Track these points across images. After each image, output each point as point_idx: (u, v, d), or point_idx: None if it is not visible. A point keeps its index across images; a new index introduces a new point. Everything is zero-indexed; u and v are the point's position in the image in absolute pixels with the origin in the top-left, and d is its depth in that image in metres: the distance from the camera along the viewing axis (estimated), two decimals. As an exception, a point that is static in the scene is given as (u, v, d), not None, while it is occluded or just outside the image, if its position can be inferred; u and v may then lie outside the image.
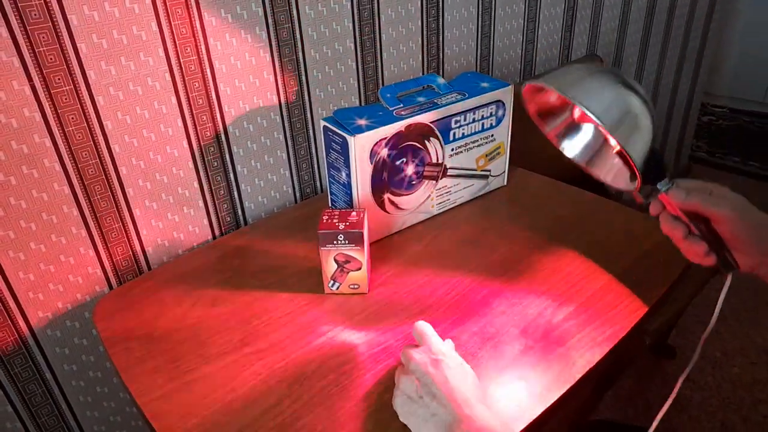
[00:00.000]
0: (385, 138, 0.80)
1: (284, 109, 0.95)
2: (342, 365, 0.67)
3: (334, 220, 0.75)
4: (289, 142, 0.98)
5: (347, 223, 0.74)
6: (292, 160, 1.00)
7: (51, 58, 0.69)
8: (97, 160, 0.78)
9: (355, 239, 0.73)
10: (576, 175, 1.50)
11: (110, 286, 0.85)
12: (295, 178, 1.01)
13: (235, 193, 0.94)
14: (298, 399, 0.62)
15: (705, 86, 2.16)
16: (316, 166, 1.04)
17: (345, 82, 1.01)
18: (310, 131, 1.00)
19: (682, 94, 2.04)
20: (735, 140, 2.37)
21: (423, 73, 1.13)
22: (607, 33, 1.54)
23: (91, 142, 0.76)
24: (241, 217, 0.97)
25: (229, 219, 0.95)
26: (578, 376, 0.63)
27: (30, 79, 0.69)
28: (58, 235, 0.78)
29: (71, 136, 0.74)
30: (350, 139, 0.78)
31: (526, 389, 0.62)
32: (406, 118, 0.82)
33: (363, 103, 1.06)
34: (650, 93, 1.84)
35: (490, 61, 1.26)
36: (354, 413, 0.61)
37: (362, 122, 0.80)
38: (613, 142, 0.63)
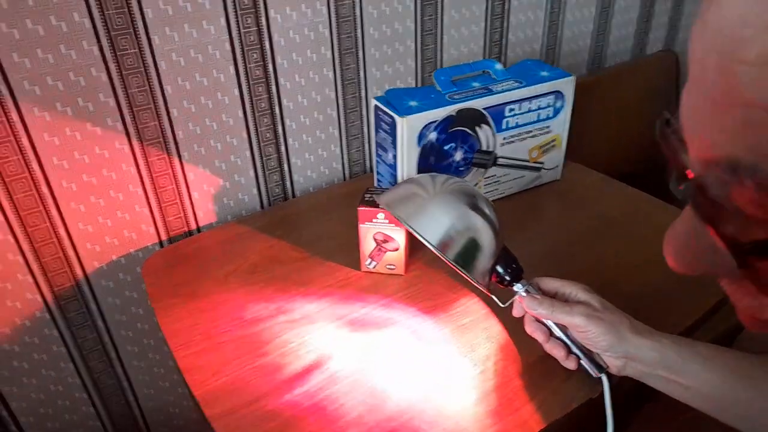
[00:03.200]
0: (435, 121, 0.80)
1: (339, 86, 0.96)
2: (373, 344, 0.67)
3: (376, 198, 0.75)
4: (342, 119, 0.99)
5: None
6: (343, 137, 1.01)
7: (119, 21, 0.73)
8: (156, 122, 0.81)
9: (396, 219, 0.73)
10: (638, 170, 1.44)
11: (161, 245, 0.89)
12: (345, 155, 1.02)
13: (285, 166, 0.96)
14: (326, 371, 0.64)
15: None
16: (366, 145, 1.04)
17: (402, 63, 1.01)
18: (363, 110, 1.00)
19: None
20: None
21: (484, 58, 1.11)
22: (689, 27, 1.45)
23: (152, 105, 0.79)
24: (290, 189, 0.99)
25: (277, 190, 0.98)
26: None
27: (99, 40, 0.72)
28: (116, 191, 0.82)
29: (133, 97, 0.77)
30: (399, 120, 0.78)
31: (550, 389, 0.61)
32: (458, 102, 0.81)
33: (420, 85, 1.05)
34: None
35: (556, 50, 1.22)
36: (377, 392, 0.61)
37: (413, 103, 0.80)
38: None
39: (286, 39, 0.87)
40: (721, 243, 0.24)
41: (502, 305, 0.64)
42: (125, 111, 0.78)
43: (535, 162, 0.92)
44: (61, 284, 0.83)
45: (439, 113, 0.79)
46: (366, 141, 1.04)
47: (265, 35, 0.84)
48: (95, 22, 0.71)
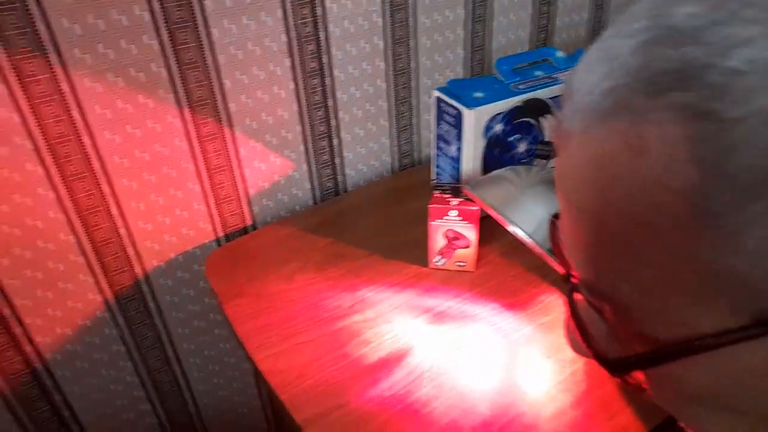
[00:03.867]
0: (502, 113, 0.78)
1: (391, 77, 0.94)
2: (456, 342, 0.66)
3: (447, 195, 0.74)
4: (393, 111, 0.97)
5: (461, 199, 0.73)
6: (393, 129, 0.99)
7: (178, 15, 0.70)
8: (215, 118, 0.79)
9: (469, 216, 0.72)
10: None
11: (218, 242, 0.88)
12: (395, 147, 1.01)
13: (337, 159, 0.95)
14: (412, 372, 0.63)
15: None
16: (415, 136, 1.02)
17: (452, 51, 0.99)
18: (413, 100, 0.99)
19: None
20: None
21: (531, 45, 1.09)
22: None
23: (210, 100, 0.78)
24: (341, 184, 0.97)
25: (329, 185, 0.96)
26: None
27: (159, 34, 0.70)
28: (175, 189, 0.80)
29: (191, 92, 0.76)
30: (466, 112, 0.76)
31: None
32: (524, 93, 0.79)
33: (469, 74, 1.03)
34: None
35: (599, 35, 1.19)
36: (467, 395, 0.61)
37: (479, 95, 0.78)
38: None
39: (341, 29, 0.84)
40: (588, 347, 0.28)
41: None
42: (184, 106, 0.76)
43: (593, 151, 0.91)
44: (122, 283, 0.82)
45: (505, 104, 0.78)
46: (415, 132, 1.02)
47: (321, 26, 0.82)
48: (155, 15, 0.69)
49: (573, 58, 0.87)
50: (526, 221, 0.58)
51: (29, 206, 0.71)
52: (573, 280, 0.30)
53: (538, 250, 0.59)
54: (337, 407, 0.59)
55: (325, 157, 0.93)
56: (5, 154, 0.67)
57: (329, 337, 0.68)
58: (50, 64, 0.65)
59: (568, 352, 0.64)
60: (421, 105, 1.00)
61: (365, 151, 0.97)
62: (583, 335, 0.29)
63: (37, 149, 0.68)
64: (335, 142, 0.93)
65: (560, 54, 0.86)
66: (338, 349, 0.66)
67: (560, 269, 0.58)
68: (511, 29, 1.04)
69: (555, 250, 0.34)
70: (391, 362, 0.64)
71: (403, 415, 0.58)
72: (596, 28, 1.17)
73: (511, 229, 0.60)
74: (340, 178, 0.97)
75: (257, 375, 1.05)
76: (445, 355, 0.65)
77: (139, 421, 0.95)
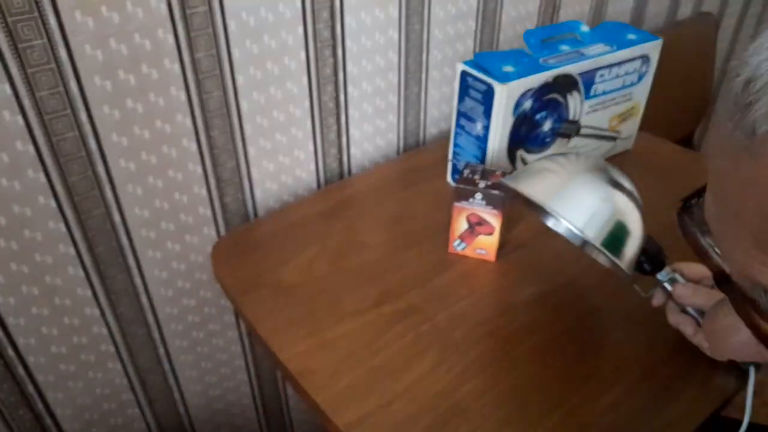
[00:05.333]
0: (532, 89, 0.73)
1: (403, 49, 0.87)
2: (491, 334, 0.62)
3: (476, 176, 0.69)
4: (402, 86, 0.91)
5: (489, 183, 0.68)
6: (401, 106, 0.93)
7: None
8: (221, 91, 0.71)
9: (495, 202, 0.67)
10: (688, 135, 1.40)
11: (217, 230, 0.80)
12: (402, 125, 0.95)
13: (344, 138, 0.88)
14: (455, 365, 0.58)
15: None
16: (423, 114, 0.96)
17: (464, 23, 0.93)
18: (422, 75, 0.92)
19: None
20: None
21: (539, 19, 1.04)
22: (716, -11, 1.42)
23: (218, 71, 0.69)
24: (346, 165, 0.91)
25: (334, 166, 0.89)
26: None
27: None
28: (175, 171, 0.72)
29: (199, 63, 0.67)
30: (498, 87, 0.71)
31: (700, 378, 0.58)
32: (555, 67, 0.74)
33: (479, 48, 0.98)
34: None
35: (603, 9, 1.16)
36: (516, 385, 0.56)
37: (508, 69, 0.73)
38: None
39: (355, -4, 0.77)
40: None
41: (645, 295, 0.59)
42: (190, 79, 0.68)
43: (613, 131, 0.88)
44: (113, 276, 0.74)
45: (536, 80, 0.73)
46: (422, 110, 0.96)
47: (335, -9, 0.75)
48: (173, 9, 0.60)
49: (598, 32, 0.83)
50: (577, 216, 0.53)
51: (17, 191, 0.62)
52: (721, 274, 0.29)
53: (592, 246, 0.55)
54: (380, 407, 0.54)
55: (332, 135, 0.86)
56: (-18, 129, 0.57)
57: (360, 331, 0.62)
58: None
59: (613, 341, 0.61)
60: (430, 80, 0.94)
61: (372, 129, 0.91)
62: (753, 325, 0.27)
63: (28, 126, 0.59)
64: (342, 119, 0.86)
65: (585, 28, 0.81)
66: (371, 343, 0.60)
67: (619, 268, 0.54)
68: (521, 2, 0.99)
69: (690, 240, 0.31)
70: (430, 355, 0.59)
71: (455, 411, 0.54)
72: (599, 2, 1.14)
73: (561, 225, 0.55)
74: (345, 158, 0.90)
75: (253, 372, 0.98)
76: (488, 345, 0.60)
77: (128, 425, 0.87)
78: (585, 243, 0.56)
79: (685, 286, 0.55)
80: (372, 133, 0.91)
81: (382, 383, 0.56)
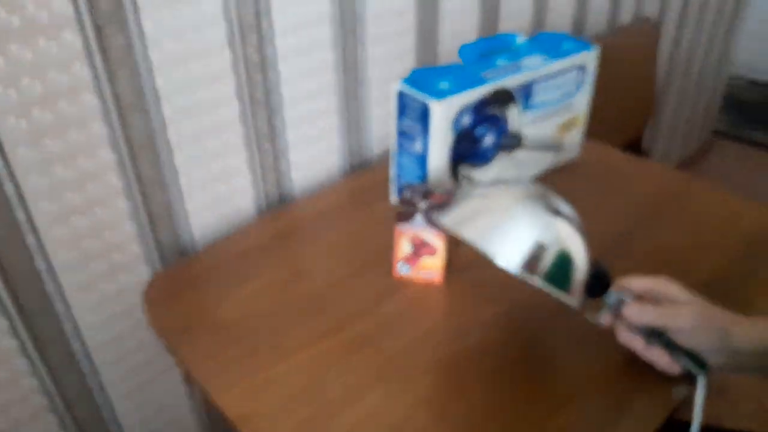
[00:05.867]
0: (469, 104, 0.72)
1: (341, 70, 0.85)
2: (440, 361, 0.60)
3: (416, 197, 0.67)
4: (342, 106, 0.89)
5: (429, 204, 0.66)
6: (343, 127, 0.91)
7: (105, 5, 0.59)
8: (147, 123, 0.68)
9: (437, 222, 0.65)
10: (632, 141, 1.42)
11: (153, 267, 0.76)
12: (345, 146, 0.92)
13: (283, 163, 0.85)
14: (404, 397, 0.55)
15: (733, 55, 2.09)
16: (367, 133, 0.94)
17: (402, 41, 0.92)
18: (363, 94, 0.91)
19: (713, 62, 1.97)
20: (759, 113, 2.31)
21: (479, 31, 1.04)
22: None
23: (141, 104, 0.66)
24: (289, 189, 0.88)
25: (275, 192, 0.86)
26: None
27: (83, 29, 0.58)
28: (101, 209, 0.68)
29: (120, 97, 0.64)
30: (433, 105, 0.69)
31: (652, 392, 0.56)
32: (491, 81, 0.73)
33: (419, 64, 0.97)
34: (684, 62, 1.77)
35: (542, 19, 1.17)
36: (467, 413, 0.54)
37: (444, 85, 0.71)
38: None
39: (285, 17, 0.75)
40: None
41: (594, 322, 0.57)
42: (113, 114, 0.64)
43: (557, 141, 0.87)
44: (41, 325, 0.69)
45: (473, 94, 0.72)
46: (366, 130, 0.94)
47: (264, 14, 0.73)
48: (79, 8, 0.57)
49: (534, 43, 0.83)
50: (517, 253, 0.51)
51: None
52: None
53: (533, 283, 0.53)
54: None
55: (270, 160, 0.83)
56: None
57: (304, 367, 0.59)
58: None
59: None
60: (372, 99, 0.92)
61: (313, 151, 0.88)
62: None
63: None
64: (280, 142, 0.83)
65: (521, 40, 0.81)
66: (317, 379, 0.57)
67: (569, 301, 0.52)
68: (459, 14, 0.98)
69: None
70: (378, 387, 0.56)
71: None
72: (538, 12, 1.14)
73: (501, 264, 0.53)
74: (287, 182, 0.87)
75: (203, 415, 0.94)
76: (438, 373, 0.58)
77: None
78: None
79: (632, 307, 0.54)
80: (314, 156, 0.89)
81: (329, 422, 0.53)
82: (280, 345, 0.61)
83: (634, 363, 0.57)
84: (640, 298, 0.55)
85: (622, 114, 1.35)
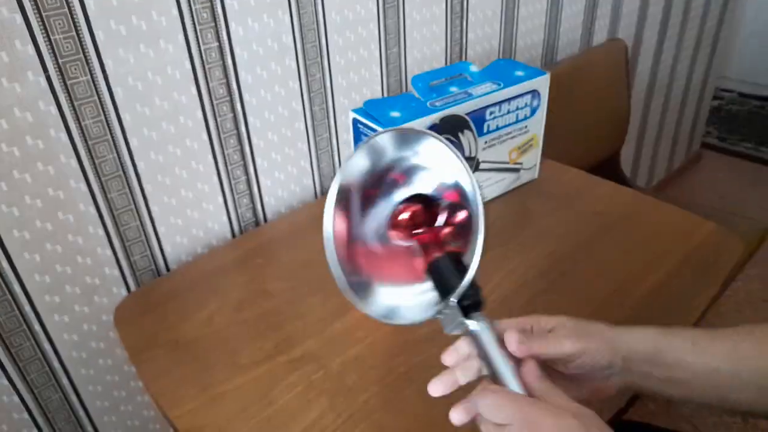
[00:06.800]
0: (420, 131, 0.76)
1: (306, 98, 0.90)
2: (384, 377, 0.63)
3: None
4: (310, 133, 0.93)
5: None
6: (312, 152, 0.95)
7: (67, 47, 0.64)
8: (115, 154, 0.73)
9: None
10: (598, 161, 1.46)
11: (128, 288, 0.81)
12: (315, 170, 0.97)
13: (255, 187, 0.90)
14: (343, 412, 0.59)
15: (719, 70, 2.12)
16: (336, 158, 0.99)
17: (368, 69, 0.96)
18: (332, 121, 0.95)
19: (697, 77, 2.00)
20: (746, 125, 2.33)
21: (446, 59, 1.09)
22: (628, 15, 1.49)
23: (109, 136, 0.71)
24: (261, 213, 0.93)
25: (248, 215, 0.91)
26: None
27: (45, 69, 0.63)
28: (74, 235, 0.73)
29: (88, 129, 0.69)
30: (384, 133, 0.73)
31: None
32: (441, 109, 0.77)
33: (386, 92, 1.01)
34: (667, 78, 1.80)
35: (512, 45, 1.21)
36: (404, 428, 0.57)
37: (395, 114, 0.76)
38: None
39: (249, 52, 0.80)
40: None
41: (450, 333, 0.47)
42: (79, 145, 0.69)
43: (514, 163, 0.91)
44: (19, 343, 0.74)
45: (423, 122, 0.76)
46: (336, 154, 0.99)
47: (227, 49, 0.78)
48: (40, 49, 0.62)
49: (487, 71, 0.87)
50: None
51: None
52: None
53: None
54: (265, 463, 0.55)
55: (242, 186, 0.88)
56: None
57: (252, 384, 0.62)
58: None
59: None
60: (339, 125, 0.97)
61: (284, 176, 0.93)
62: None
63: None
64: (251, 169, 0.88)
65: (474, 68, 0.85)
66: (264, 396, 0.61)
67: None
68: (425, 44, 1.03)
69: None
70: (320, 403, 0.60)
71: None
72: (508, 39, 1.19)
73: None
74: (259, 206, 0.92)
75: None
76: (378, 390, 0.61)
77: (53, 491, 0.86)
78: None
79: (512, 335, 0.45)
80: (285, 180, 0.93)
81: (271, 434, 0.57)
82: (231, 363, 0.65)
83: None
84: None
85: (597, 131, 1.38)
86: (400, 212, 0.52)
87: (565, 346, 0.45)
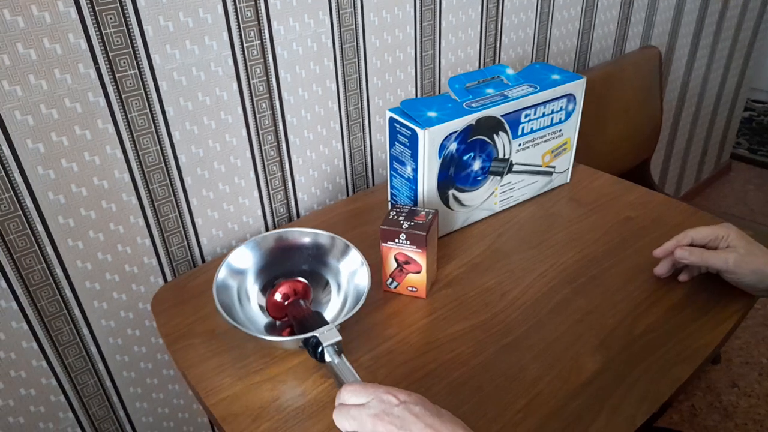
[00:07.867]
0: (456, 131, 0.77)
1: (342, 98, 0.91)
2: (413, 373, 0.64)
3: (400, 218, 0.72)
4: (345, 132, 0.95)
5: (412, 224, 0.71)
6: (346, 151, 0.96)
7: (117, 41, 0.66)
8: (158, 146, 0.75)
9: (417, 241, 0.70)
10: (631, 166, 1.45)
11: (164, 278, 0.83)
12: (348, 169, 0.98)
13: (290, 184, 0.91)
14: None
15: (751, 80, 2.09)
16: (369, 158, 1.00)
17: (403, 71, 0.97)
18: (366, 121, 0.97)
19: (729, 87, 1.98)
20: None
21: (480, 62, 1.09)
22: (662, 23, 1.48)
23: (153, 129, 0.73)
24: (294, 209, 0.94)
25: (282, 210, 0.92)
26: (666, 395, 0.60)
27: (96, 62, 0.66)
28: (116, 224, 0.75)
29: (133, 121, 0.71)
30: (420, 132, 0.74)
31: (609, 408, 0.59)
32: (477, 110, 0.78)
33: (419, 93, 1.02)
34: (699, 87, 1.78)
35: (546, 50, 1.21)
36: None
37: (432, 114, 0.77)
38: None
39: (289, 51, 0.82)
40: None
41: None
42: (125, 136, 0.71)
43: (547, 166, 0.91)
44: (59, 328, 0.76)
45: (459, 123, 0.76)
46: (369, 153, 1.00)
47: (269, 48, 0.80)
48: (92, 43, 0.65)
49: (523, 74, 0.87)
50: None
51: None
52: None
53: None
54: (299, 451, 0.56)
55: (277, 181, 0.90)
56: None
57: (287, 375, 0.64)
58: None
59: (533, 372, 0.63)
60: (373, 125, 0.98)
61: (318, 173, 0.94)
62: None
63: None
64: (286, 165, 0.90)
65: (511, 71, 0.86)
66: (297, 387, 0.62)
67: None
68: (460, 47, 1.04)
69: None
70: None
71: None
72: (541, 43, 1.19)
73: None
74: (292, 202, 0.93)
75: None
76: (408, 384, 0.62)
77: (84, 475, 0.88)
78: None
79: (683, 249, 0.70)
80: (319, 178, 0.95)
81: (301, 426, 0.58)
82: (269, 354, 0.66)
83: (594, 381, 0.60)
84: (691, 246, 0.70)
85: (629, 138, 1.37)
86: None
87: (718, 263, 0.67)
